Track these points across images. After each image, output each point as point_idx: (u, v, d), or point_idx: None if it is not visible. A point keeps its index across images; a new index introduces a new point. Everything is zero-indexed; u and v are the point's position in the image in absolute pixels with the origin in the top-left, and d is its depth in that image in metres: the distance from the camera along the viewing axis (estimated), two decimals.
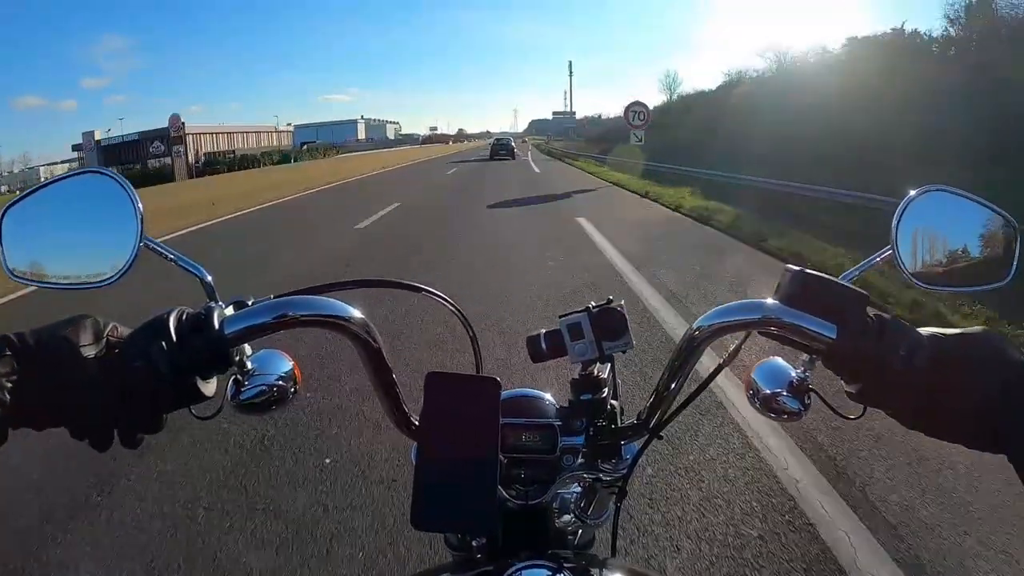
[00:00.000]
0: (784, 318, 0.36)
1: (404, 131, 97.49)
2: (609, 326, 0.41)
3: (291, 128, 57.70)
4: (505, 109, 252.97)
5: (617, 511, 0.47)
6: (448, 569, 0.46)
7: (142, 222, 0.36)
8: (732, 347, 0.43)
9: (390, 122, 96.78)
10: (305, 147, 54.93)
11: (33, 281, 0.37)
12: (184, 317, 0.35)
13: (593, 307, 0.42)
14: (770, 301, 0.37)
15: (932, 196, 0.41)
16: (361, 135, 78.63)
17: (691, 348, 0.41)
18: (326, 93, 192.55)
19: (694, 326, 0.40)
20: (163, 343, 0.33)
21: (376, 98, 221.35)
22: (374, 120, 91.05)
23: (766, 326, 0.37)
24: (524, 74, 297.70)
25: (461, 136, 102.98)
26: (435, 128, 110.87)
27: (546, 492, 0.44)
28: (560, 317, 0.42)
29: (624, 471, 0.44)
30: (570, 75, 56.03)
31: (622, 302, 0.42)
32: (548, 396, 0.47)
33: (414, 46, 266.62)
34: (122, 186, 0.36)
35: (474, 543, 0.45)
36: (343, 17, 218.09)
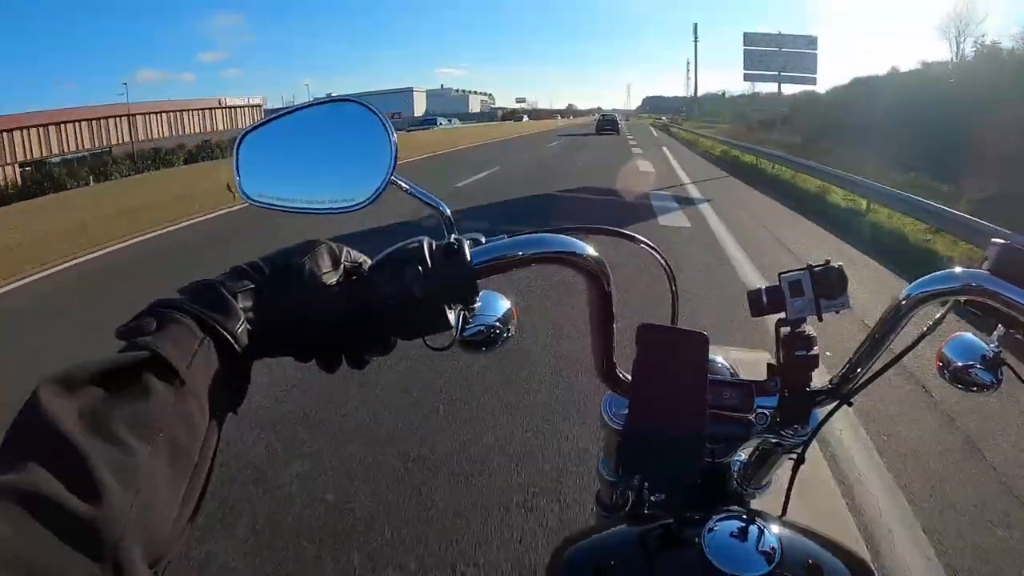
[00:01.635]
0: (990, 287, 0.41)
1: (500, 104, 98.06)
2: (830, 285, 0.46)
3: (262, 103, 41.24)
4: (618, 85, 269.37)
5: (793, 476, 0.52)
6: (632, 520, 0.52)
7: (396, 154, 0.40)
8: (937, 315, 0.48)
9: (477, 93, 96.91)
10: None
11: (272, 205, 0.42)
12: (436, 246, 0.39)
13: (814, 266, 0.47)
14: (978, 271, 0.42)
15: None
16: (420, 109, 74.67)
17: (896, 317, 0.46)
18: (440, 67, 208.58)
19: (900, 295, 0.45)
20: (419, 268, 0.38)
21: (489, 72, 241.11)
22: (457, 91, 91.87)
23: (975, 295, 0.41)
24: (639, 49, 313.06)
25: (570, 111, 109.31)
26: (522, 100, 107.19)
27: (733, 451, 0.51)
28: (781, 274, 0.48)
29: (805, 437, 0.50)
30: (695, 40, 53.21)
31: (840, 263, 0.47)
32: (720, 359, 0.53)
33: (528, 21, 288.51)
34: (377, 116, 0.40)
35: (653, 498, 0.52)
36: None
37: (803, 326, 0.48)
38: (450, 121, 42.37)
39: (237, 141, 0.42)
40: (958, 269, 0.43)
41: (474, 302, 0.42)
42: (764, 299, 0.48)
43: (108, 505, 0.23)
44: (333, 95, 0.54)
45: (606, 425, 0.53)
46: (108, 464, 0.24)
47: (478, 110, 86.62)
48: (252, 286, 0.35)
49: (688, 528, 0.45)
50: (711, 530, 0.44)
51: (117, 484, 0.24)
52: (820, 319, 0.48)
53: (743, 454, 0.55)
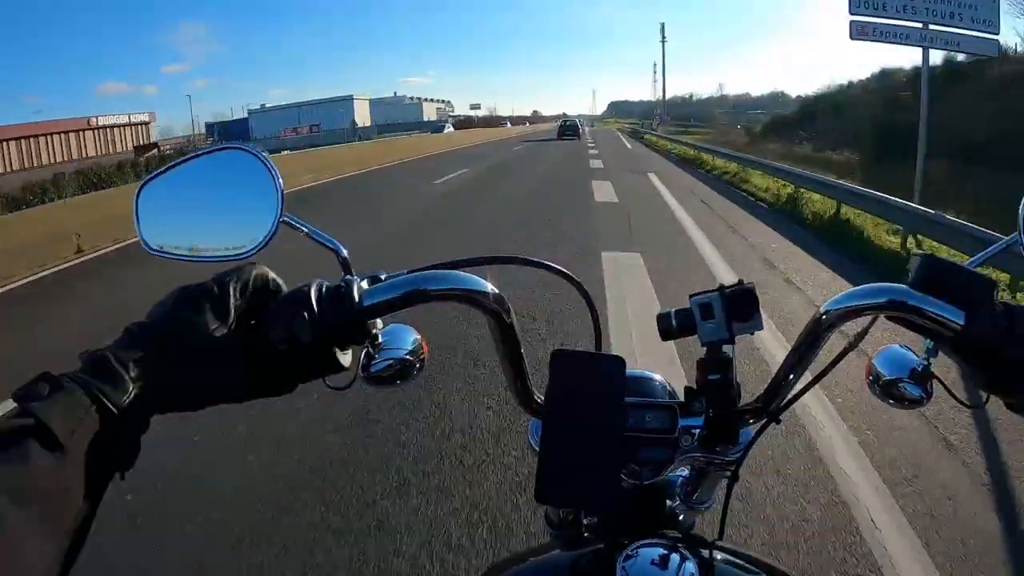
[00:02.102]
0: (911, 302, 0.44)
1: (458, 111, 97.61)
2: (741, 307, 0.49)
3: (150, 120, 37.04)
4: (584, 90, 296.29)
5: (728, 495, 0.54)
6: (558, 546, 0.56)
7: (283, 197, 0.45)
8: (858, 330, 0.51)
9: (433, 100, 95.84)
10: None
11: (169, 255, 0.46)
12: (324, 289, 0.43)
13: (725, 287, 0.50)
14: (899, 285, 0.45)
15: None
16: (363, 118, 69.35)
17: (817, 332, 0.49)
18: (405, 76, 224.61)
19: (821, 310, 0.48)
20: (305, 313, 0.41)
21: (454, 80, 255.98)
22: (411, 98, 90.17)
23: (894, 310, 0.44)
24: (605, 55, 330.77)
25: (536, 117, 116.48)
26: (477, 107, 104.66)
27: (661, 473, 0.53)
28: (691, 297, 0.50)
29: (739, 455, 0.52)
30: (663, 41, 50.88)
31: (753, 283, 0.50)
32: (659, 377, 0.57)
33: (494, 28, 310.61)
34: (262, 161, 0.45)
35: (585, 521, 0.56)
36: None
37: (719, 348, 0.50)
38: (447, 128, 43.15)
39: (136, 191, 0.46)
40: (887, 284, 0.45)
41: (365, 341, 0.46)
42: (673, 323, 0.51)
43: None
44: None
45: (534, 449, 0.54)
46: None
47: (434, 118, 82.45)
48: (142, 353, 0.38)
49: (608, 555, 0.47)
50: (629, 557, 0.46)
51: None
52: (732, 342, 0.50)
53: (685, 471, 0.58)
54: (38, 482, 0.31)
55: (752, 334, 0.50)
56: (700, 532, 0.57)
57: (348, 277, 0.44)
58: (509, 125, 64.96)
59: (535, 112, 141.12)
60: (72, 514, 0.33)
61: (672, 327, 0.51)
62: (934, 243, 4.74)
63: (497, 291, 0.47)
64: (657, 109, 27.00)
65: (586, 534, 0.56)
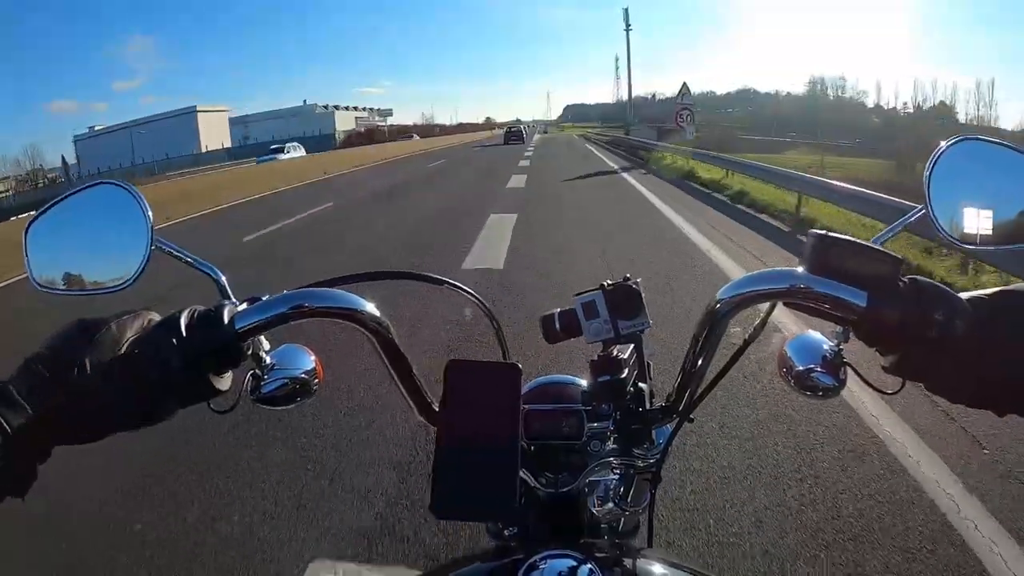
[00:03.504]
0: (811, 286, 0.48)
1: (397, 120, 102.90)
2: (624, 304, 0.56)
3: None
4: (538, 95, 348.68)
5: (652, 498, 0.62)
6: (480, 557, 0.61)
7: (152, 226, 0.54)
8: (758, 319, 0.57)
9: (353, 109, 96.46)
10: None
11: (57, 291, 0.56)
12: (196, 314, 0.50)
13: (608, 284, 0.57)
14: (795, 269, 0.49)
15: (965, 146, 0.52)
16: (214, 137, 64.87)
17: (714, 321, 0.54)
18: (360, 86, 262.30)
19: (716, 297, 0.53)
20: (174, 339, 0.48)
21: (409, 90, 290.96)
22: (324, 107, 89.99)
23: (792, 296, 0.49)
24: (559, 59, 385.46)
25: (488, 124, 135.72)
26: (388, 112, 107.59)
27: (577, 479, 0.60)
28: (575, 296, 0.57)
29: (657, 456, 0.59)
30: (627, 29, 53.25)
31: (638, 279, 0.57)
32: (583, 382, 0.63)
33: (447, 36, 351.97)
34: (131, 193, 0.55)
35: (507, 532, 0.63)
36: (373, 9, 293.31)
37: (612, 348, 0.57)
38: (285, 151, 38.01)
39: (25, 229, 0.56)
40: (783, 268, 0.49)
41: (247, 362, 0.53)
42: (556, 324, 0.59)
43: None
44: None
45: None
46: None
47: (351, 127, 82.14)
48: (37, 384, 0.46)
49: (511, 568, 0.52)
50: (532, 568, 0.51)
51: None
52: (619, 341, 0.57)
53: (614, 475, 0.64)
54: None
55: (642, 332, 0.57)
56: (621, 540, 0.65)
57: (222, 301, 0.52)
58: (416, 137, 64.88)
59: (488, 119, 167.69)
60: None
61: (556, 328, 0.58)
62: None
63: (375, 308, 0.54)
64: (682, 100, 18.60)
65: (512, 544, 0.63)
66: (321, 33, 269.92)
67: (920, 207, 0.53)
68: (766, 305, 0.55)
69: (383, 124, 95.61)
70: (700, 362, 0.57)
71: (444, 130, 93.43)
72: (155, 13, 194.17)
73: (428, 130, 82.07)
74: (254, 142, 67.82)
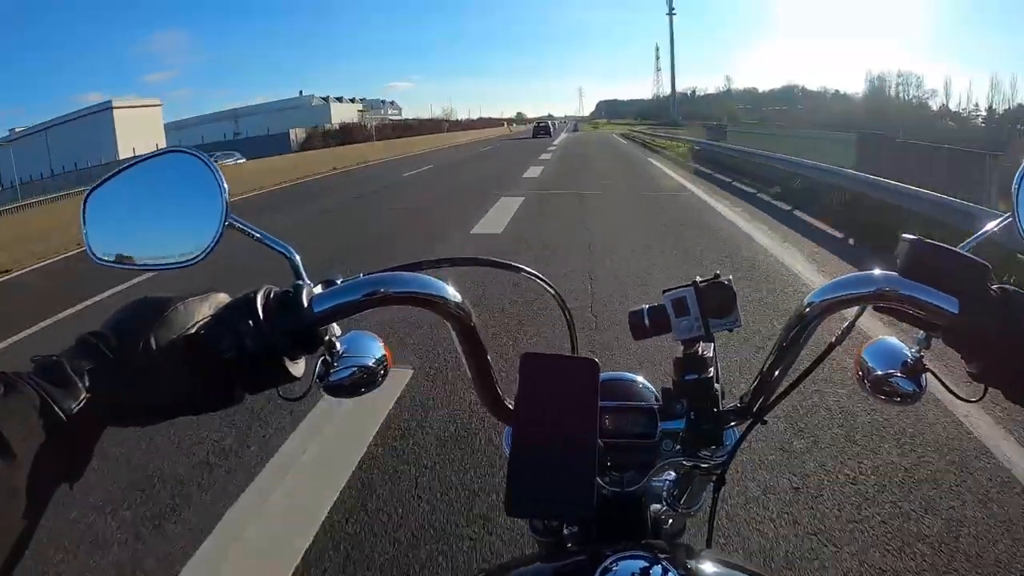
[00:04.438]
0: (901, 291, 0.53)
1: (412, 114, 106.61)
2: (717, 302, 0.60)
3: None
4: (570, 91, 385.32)
5: (715, 500, 0.68)
6: (539, 557, 0.69)
7: (227, 201, 0.57)
8: (845, 324, 0.62)
9: (356, 101, 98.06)
10: None
11: (117, 265, 0.59)
12: (272, 296, 0.53)
13: (700, 281, 0.61)
14: (887, 273, 0.54)
15: None
16: (154, 137, 55.84)
17: (801, 326, 0.60)
18: (390, 81, 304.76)
19: (804, 302, 0.59)
20: (250, 322, 0.51)
21: (440, 84, 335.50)
22: (321, 99, 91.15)
23: (882, 300, 0.54)
24: (593, 56, 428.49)
25: (519, 119, 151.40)
26: (394, 107, 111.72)
27: (643, 479, 0.66)
28: (664, 292, 0.61)
29: (724, 458, 0.64)
30: (670, 13, 53.63)
31: (730, 276, 0.60)
32: (643, 379, 0.72)
33: (478, 31, 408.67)
34: (206, 164, 0.58)
35: (565, 530, 0.69)
36: (407, 4, 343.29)
37: (696, 345, 0.62)
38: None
39: (84, 199, 0.59)
40: (877, 272, 0.55)
41: (321, 348, 0.56)
42: (646, 320, 0.62)
43: None
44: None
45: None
46: None
47: (352, 120, 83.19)
48: (94, 362, 0.48)
49: (586, 567, 0.55)
50: (608, 569, 0.54)
51: None
52: (709, 339, 0.62)
53: (671, 476, 0.71)
54: None
55: (731, 330, 0.61)
56: (688, 539, 0.70)
57: (298, 282, 0.55)
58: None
59: (519, 114, 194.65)
60: (16, 522, 0.42)
61: (645, 325, 0.62)
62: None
63: (459, 295, 0.58)
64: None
65: (568, 544, 0.69)
66: (354, 26, 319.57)
67: (1008, 215, 0.59)
68: (854, 309, 0.60)
69: (391, 118, 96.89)
70: (781, 365, 0.63)
71: (456, 125, 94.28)
72: (188, 5, 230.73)
73: (436, 126, 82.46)
74: (244, 137, 67.73)
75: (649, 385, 0.72)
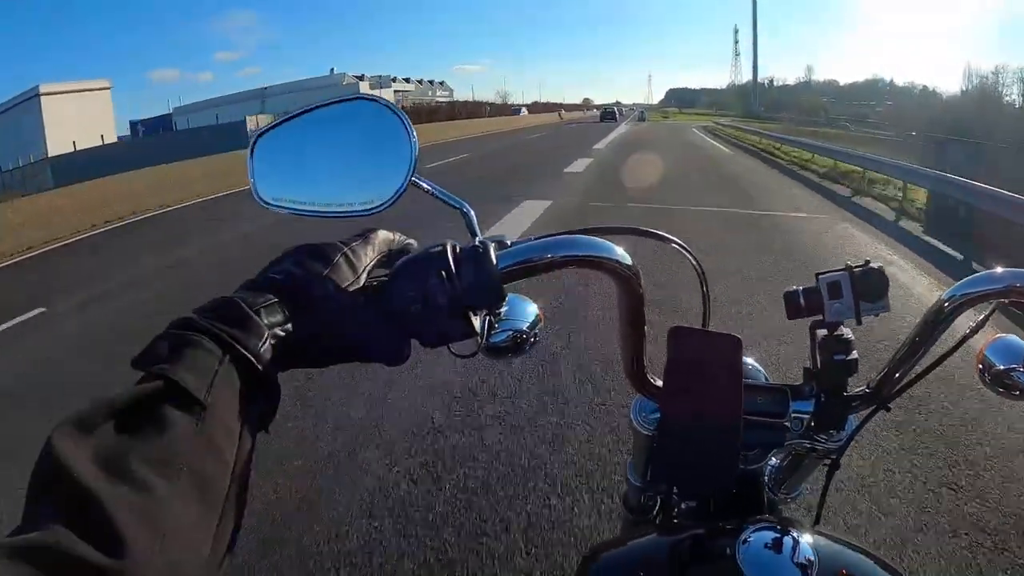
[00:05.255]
0: None
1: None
2: (870, 288, 0.68)
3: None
4: (638, 78, 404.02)
5: (827, 483, 0.77)
6: (662, 530, 0.79)
7: (416, 155, 0.60)
8: (980, 318, 0.71)
9: (397, 80, 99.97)
10: None
11: (284, 208, 0.63)
12: (459, 250, 0.58)
13: (854, 266, 0.69)
14: (1019, 271, 0.62)
15: None
16: (75, 138, 45.04)
17: (938, 320, 0.69)
18: (459, 63, 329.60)
19: (943, 296, 0.68)
20: (443, 272, 0.55)
21: (508, 67, 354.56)
22: (354, 77, 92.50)
23: (1016, 296, 0.63)
24: (664, 42, 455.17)
25: (586, 105, 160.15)
26: (443, 88, 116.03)
27: (766, 457, 0.76)
28: (819, 275, 0.70)
29: (840, 442, 0.74)
30: None
31: (880, 263, 0.68)
32: (752, 361, 0.81)
33: (548, 15, 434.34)
34: (398, 116, 0.62)
35: (683, 505, 0.80)
36: None
37: (840, 329, 0.70)
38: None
39: (251, 143, 0.64)
40: (1001, 269, 0.64)
41: (500, 307, 0.62)
42: (801, 301, 0.70)
43: (133, 557, 0.34)
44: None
45: (635, 430, 0.76)
46: (130, 510, 0.35)
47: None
48: (274, 300, 0.51)
49: (721, 539, 0.65)
50: (745, 541, 0.62)
51: (141, 531, 0.35)
52: (859, 323, 0.69)
53: (775, 460, 0.82)
54: (185, 449, 0.40)
55: (877, 315, 0.68)
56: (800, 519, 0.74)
57: (482, 239, 0.60)
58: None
59: (586, 100, 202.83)
60: (225, 479, 0.42)
61: (800, 305, 0.70)
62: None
63: (630, 259, 0.64)
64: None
65: (675, 520, 0.80)
66: (421, 6, 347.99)
67: None
68: (989, 306, 0.69)
69: (437, 100, 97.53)
70: (913, 356, 0.72)
71: (502, 110, 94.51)
72: None
73: (475, 110, 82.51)
74: (185, 129, 59.55)
75: (759, 366, 0.81)
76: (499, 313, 0.63)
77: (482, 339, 0.61)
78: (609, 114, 73.81)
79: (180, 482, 0.39)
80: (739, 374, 0.63)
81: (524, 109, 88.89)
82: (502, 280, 0.59)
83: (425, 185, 0.62)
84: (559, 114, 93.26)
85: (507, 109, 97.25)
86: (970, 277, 0.66)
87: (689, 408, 0.62)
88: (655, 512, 0.88)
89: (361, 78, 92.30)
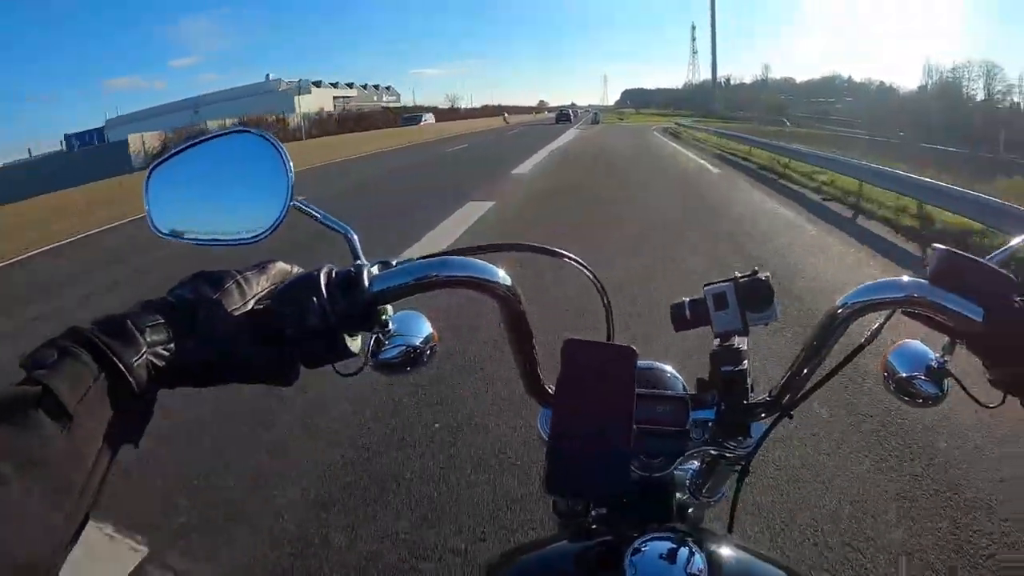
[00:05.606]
0: (930, 298, 0.65)
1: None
2: (756, 297, 0.72)
3: None
4: (593, 79, 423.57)
5: (738, 489, 0.83)
6: (568, 537, 0.83)
7: (292, 182, 0.68)
8: (874, 326, 0.76)
9: (334, 86, 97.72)
10: None
11: (179, 238, 0.71)
12: (334, 274, 0.65)
13: (740, 277, 0.73)
14: (916, 280, 0.66)
15: None
16: None
17: (832, 327, 0.72)
18: (415, 68, 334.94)
19: (837, 304, 0.71)
20: (314, 299, 0.62)
21: (464, 71, 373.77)
22: (289, 83, 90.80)
23: (911, 305, 0.67)
24: (616, 41, 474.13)
25: (541, 107, 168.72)
26: (389, 93, 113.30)
27: (671, 465, 0.79)
28: (705, 286, 0.74)
29: (749, 448, 0.79)
30: None
31: (768, 273, 0.73)
32: (672, 369, 0.85)
33: (507, 17, 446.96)
34: (274, 146, 0.69)
35: (593, 512, 0.84)
36: None
37: (732, 339, 0.75)
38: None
39: (147, 174, 0.71)
40: (904, 278, 0.67)
41: (375, 327, 0.68)
42: (687, 313, 0.75)
43: None
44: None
45: (541, 438, 0.78)
46: None
47: (327, 109, 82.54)
48: (161, 320, 0.58)
49: (616, 548, 0.68)
50: (637, 550, 0.66)
51: None
52: (746, 333, 0.74)
53: (695, 465, 0.86)
54: (45, 450, 0.47)
55: (766, 324, 0.74)
56: (708, 527, 0.86)
57: (358, 263, 0.67)
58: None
59: (541, 102, 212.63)
60: (79, 483, 0.49)
61: (686, 317, 0.76)
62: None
63: (509, 279, 0.71)
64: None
65: (593, 525, 0.84)
66: (382, 10, 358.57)
67: None
68: (884, 313, 0.74)
69: (384, 105, 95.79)
70: (811, 363, 0.76)
71: (452, 114, 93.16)
72: None
73: (382, 119, 77.85)
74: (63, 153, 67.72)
75: (678, 375, 0.84)
76: (389, 330, 0.71)
77: (369, 357, 0.70)
78: (564, 115, 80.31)
79: (35, 479, 0.46)
80: (631, 384, 0.67)
81: (429, 116, 77.21)
82: (377, 302, 0.67)
83: (310, 211, 0.69)
84: (503, 118, 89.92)
85: (461, 113, 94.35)
86: (866, 284, 0.70)
87: (579, 418, 0.66)
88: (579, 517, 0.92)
89: (300, 83, 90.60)
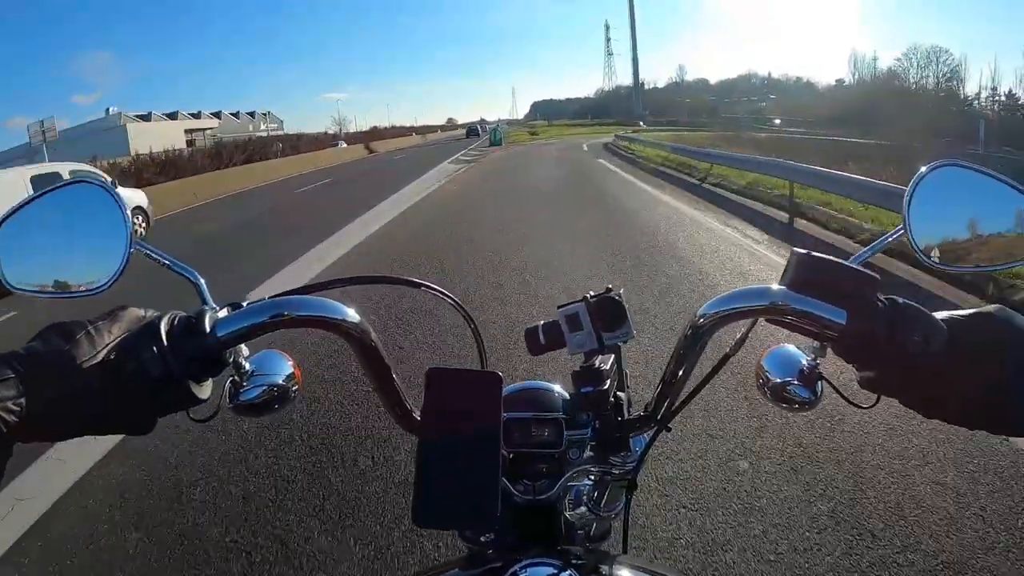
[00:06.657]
0: (791, 304, 0.70)
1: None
2: (607, 316, 0.80)
3: None
4: (503, 93, 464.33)
5: (627, 504, 0.91)
6: (458, 564, 0.86)
7: (131, 228, 0.76)
8: (739, 334, 0.83)
9: (182, 117, 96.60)
10: None
11: (31, 291, 0.77)
12: (176, 321, 0.70)
13: (591, 297, 0.82)
14: (776, 287, 0.71)
15: (945, 172, 0.77)
16: None
17: (696, 336, 0.79)
18: (325, 92, 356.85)
19: (698, 313, 0.78)
20: (155, 348, 0.67)
21: (373, 94, 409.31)
22: (124, 116, 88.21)
23: (773, 313, 0.72)
24: (523, 55, 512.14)
25: (449, 124, 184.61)
26: (271, 120, 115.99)
27: (554, 487, 0.86)
28: (559, 308, 0.83)
29: (633, 463, 0.87)
30: None
31: (621, 291, 0.82)
32: (557, 387, 0.94)
33: (410, 39, 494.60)
34: (109, 193, 0.77)
35: (483, 538, 0.90)
36: (338, 14, 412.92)
37: (595, 359, 0.83)
38: None
39: None
40: (768, 286, 0.72)
41: (220, 372, 0.74)
42: (541, 337, 0.84)
43: None
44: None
45: None
46: None
47: (174, 146, 79.90)
48: (11, 375, 0.63)
49: (495, 574, 0.74)
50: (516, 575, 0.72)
51: None
52: (603, 352, 0.83)
53: (588, 483, 0.94)
54: None
55: (624, 343, 0.82)
56: (616, 539, 0.96)
57: (202, 307, 0.73)
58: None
59: (450, 119, 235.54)
60: None
61: (540, 342, 0.84)
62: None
63: (358, 317, 0.77)
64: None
65: (490, 551, 0.91)
66: (278, 38, 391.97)
67: (899, 228, 0.77)
68: (748, 321, 0.80)
69: (260, 135, 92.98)
70: (680, 374, 0.84)
71: (344, 138, 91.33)
72: (113, 26, 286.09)
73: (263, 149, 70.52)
74: None
75: (565, 393, 0.92)
76: (245, 372, 0.78)
77: (227, 400, 0.78)
78: (473, 131, 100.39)
79: None
80: (497, 410, 0.72)
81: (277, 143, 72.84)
82: (226, 345, 0.72)
83: (156, 256, 0.78)
84: (366, 147, 74.42)
85: (328, 141, 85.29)
86: (728, 293, 0.75)
87: (445, 448, 0.71)
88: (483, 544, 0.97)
89: (147, 116, 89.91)
